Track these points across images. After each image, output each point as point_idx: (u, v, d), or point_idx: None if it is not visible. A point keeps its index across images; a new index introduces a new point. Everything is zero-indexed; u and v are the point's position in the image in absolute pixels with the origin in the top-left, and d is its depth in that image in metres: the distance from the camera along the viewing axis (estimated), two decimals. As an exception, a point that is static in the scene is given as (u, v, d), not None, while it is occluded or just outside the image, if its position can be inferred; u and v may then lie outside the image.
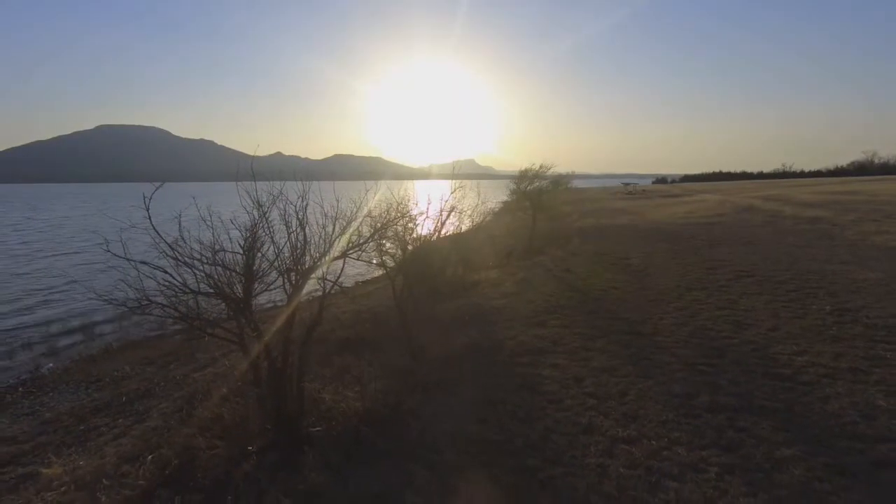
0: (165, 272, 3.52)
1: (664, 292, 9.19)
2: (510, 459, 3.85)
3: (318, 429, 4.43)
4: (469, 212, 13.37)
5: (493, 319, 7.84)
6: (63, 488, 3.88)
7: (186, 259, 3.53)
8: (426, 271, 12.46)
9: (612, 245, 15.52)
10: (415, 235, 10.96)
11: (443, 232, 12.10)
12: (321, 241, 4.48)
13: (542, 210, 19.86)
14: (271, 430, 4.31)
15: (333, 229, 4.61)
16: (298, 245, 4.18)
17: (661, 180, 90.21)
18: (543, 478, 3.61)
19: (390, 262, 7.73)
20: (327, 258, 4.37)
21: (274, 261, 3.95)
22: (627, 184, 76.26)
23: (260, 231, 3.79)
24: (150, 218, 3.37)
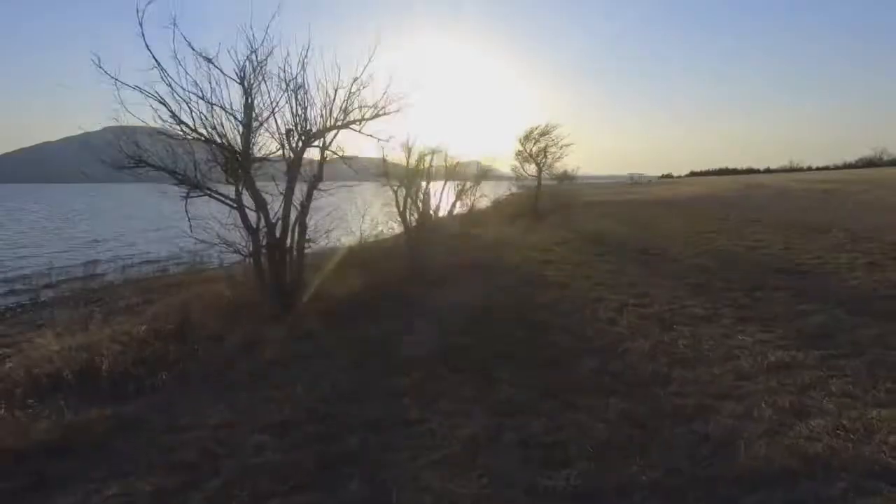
0: (162, 101, 3.39)
1: (672, 234, 9.02)
2: (519, 316, 3.71)
3: (319, 303, 4.30)
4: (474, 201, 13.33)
5: (499, 249, 7.70)
6: (59, 349, 3.77)
7: (180, 93, 3.38)
8: (435, 225, 12.34)
9: (617, 210, 15.35)
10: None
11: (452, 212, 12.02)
12: (323, 107, 4.28)
13: (547, 191, 19.70)
14: (271, 303, 4.19)
15: (335, 95, 4.36)
16: (298, 109, 4.04)
17: (668, 176, 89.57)
18: (555, 326, 3.47)
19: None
20: (329, 125, 4.24)
21: (272, 111, 3.79)
22: (633, 177, 75.69)
23: (258, 80, 3.63)
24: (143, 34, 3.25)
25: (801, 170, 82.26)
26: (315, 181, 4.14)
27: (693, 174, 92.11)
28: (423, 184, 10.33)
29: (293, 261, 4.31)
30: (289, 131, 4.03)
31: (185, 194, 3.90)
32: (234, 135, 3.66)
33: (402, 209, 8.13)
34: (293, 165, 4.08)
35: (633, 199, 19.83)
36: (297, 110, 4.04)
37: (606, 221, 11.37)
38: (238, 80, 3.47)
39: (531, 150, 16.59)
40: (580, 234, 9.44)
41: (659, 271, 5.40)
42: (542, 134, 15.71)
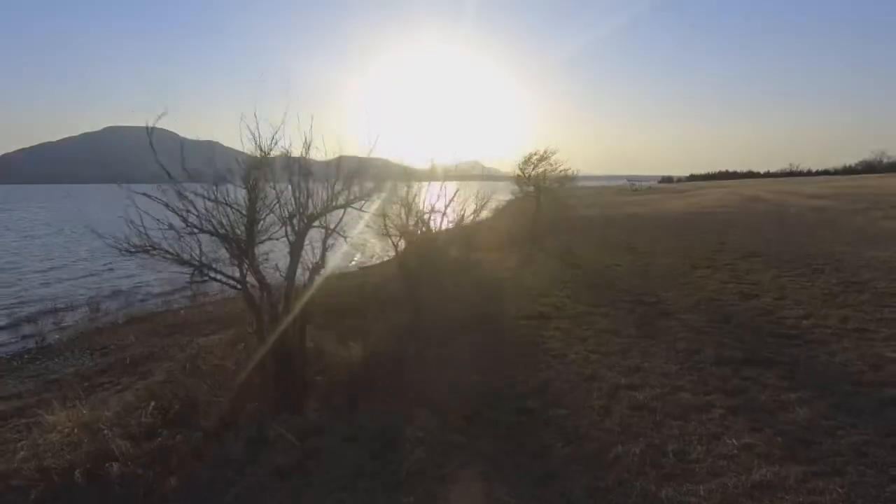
0: (167, 205, 3.52)
1: (669, 271, 9.14)
2: (512, 403, 3.83)
3: (319, 377, 4.42)
4: (474, 210, 13.48)
5: (496, 289, 7.82)
6: (67, 430, 3.89)
7: (190, 197, 3.53)
8: (432, 253, 12.45)
9: (617, 232, 15.46)
10: (421, 217, 10.99)
11: (447, 223, 12.17)
12: (325, 191, 4.46)
13: (545, 193, 19.80)
14: (274, 378, 4.31)
15: (337, 178, 4.57)
16: (301, 192, 4.17)
17: (667, 179, 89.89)
18: (545, 417, 3.59)
19: (395, 232, 7.74)
20: (330, 206, 4.37)
21: (274, 205, 3.94)
22: (633, 181, 76.05)
23: (262, 171, 3.78)
24: (151, 144, 3.38)
25: (800, 173, 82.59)
26: (317, 267, 4.26)
27: (693, 177, 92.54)
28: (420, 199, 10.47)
29: (295, 335, 4.42)
30: (291, 215, 4.16)
31: (188, 279, 4.03)
32: (239, 227, 3.79)
33: (396, 243, 8.26)
34: (296, 248, 4.20)
35: (632, 215, 19.94)
36: (299, 197, 4.18)
37: (605, 252, 11.46)
38: (244, 186, 3.60)
39: (530, 174, 16.78)
40: (577, 269, 9.56)
41: (652, 330, 5.52)
42: (541, 159, 15.87)
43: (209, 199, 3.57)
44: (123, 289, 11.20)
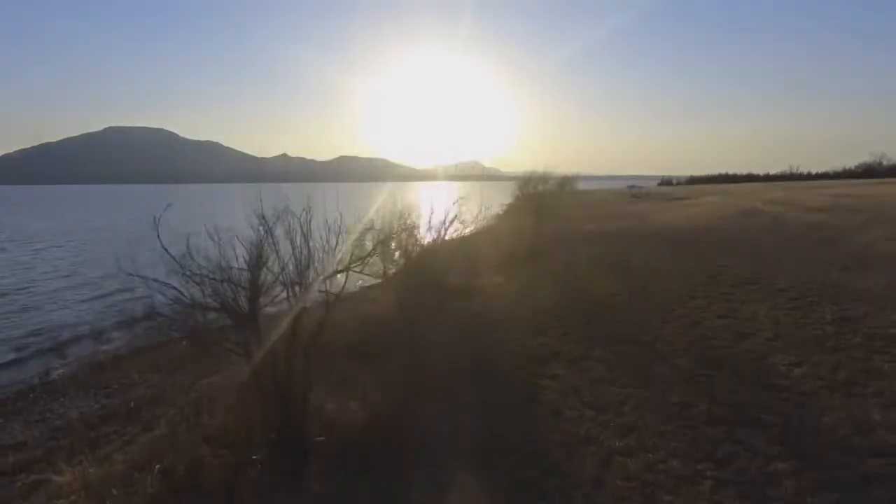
0: (174, 288, 3.64)
1: (665, 300, 9.25)
2: (508, 471, 3.93)
3: (321, 438, 4.52)
4: (472, 218, 13.68)
5: (496, 323, 7.92)
6: (73, 496, 4.00)
7: (195, 278, 3.65)
8: (430, 277, 12.59)
9: (614, 250, 15.54)
10: (418, 242, 11.22)
11: (447, 237, 12.37)
12: (325, 255, 4.59)
13: (545, 211, 20.00)
14: (275, 440, 4.41)
15: (337, 242, 4.72)
16: (302, 259, 4.28)
17: (667, 182, 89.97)
18: (540, 490, 3.69)
19: (394, 270, 7.84)
20: (331, 271, 4.48)
21: (279, 275, 4.06)
22: (633, 186, 76.06)
23: (265, 247, 3.91)
24: (159, 235, 3.49)
25: (800, 176, 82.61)
26: (316, 335, 4.37)
27: (692, 180, 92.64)
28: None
29: (297, 399, 4.53)
30: (292, 283, 4.27)
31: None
32: (243, 302, 3.90)
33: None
34: (297, 311, 4.31)
35: (630, 232, 20.00)
36: (300, 259, 4.29)
37: (603, 275, 11.55)
38: (247, 269, 3.72)
39: (529, 193, 16.95)
40: (575, 296, 9.66)
41: (647, 378, 5.62)
42: (543, 181, 16.02)
43: (214, 279, 3.67)
44: (127, 315, 11.20)
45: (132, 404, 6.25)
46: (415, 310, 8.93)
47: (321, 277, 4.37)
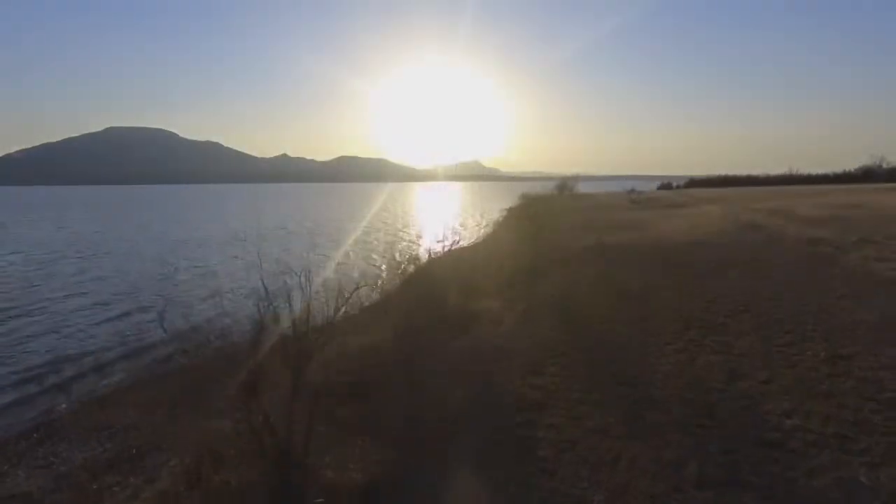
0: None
1: (662, 331, 9.34)
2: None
3: (320, 500, 4.63)
4: (474, 223, 13.79)
5: (494, 360, 8.00)
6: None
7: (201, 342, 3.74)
8: (429, 301, 12.69)
9: (614, 270, 15.59)
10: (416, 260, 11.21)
11: (449, 249, 12.42)
12: (323, 315, 4.68)
13: (545, 220, 20.10)
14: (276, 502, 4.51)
15: (336, 303, 4.81)
16: (301, 327, 4.38)
17: (667, 185, 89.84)
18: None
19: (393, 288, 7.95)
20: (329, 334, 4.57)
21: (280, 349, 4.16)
22: (633, 190, 75.96)
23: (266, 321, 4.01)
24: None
25: (799, 179, 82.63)
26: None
27: (692, 183, 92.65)
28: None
29: (297, 461, 4.63)
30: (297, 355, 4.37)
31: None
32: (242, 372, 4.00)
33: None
34: (297, 384, 4.42)
35: (628, 246, 20.04)
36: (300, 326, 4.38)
37: (600, 300, 11.63)
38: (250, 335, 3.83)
39: (529, 202, 17.02)
40: (572, 330, 9.74)
41: (642, 429, 5.72)
42: (543, 204, 16.10)
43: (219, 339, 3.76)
44: (131, 343, 11.32)
45: (134, 451, 6.35)
46: (412, 342, 9.03)
47: (320, 343, 4.47)
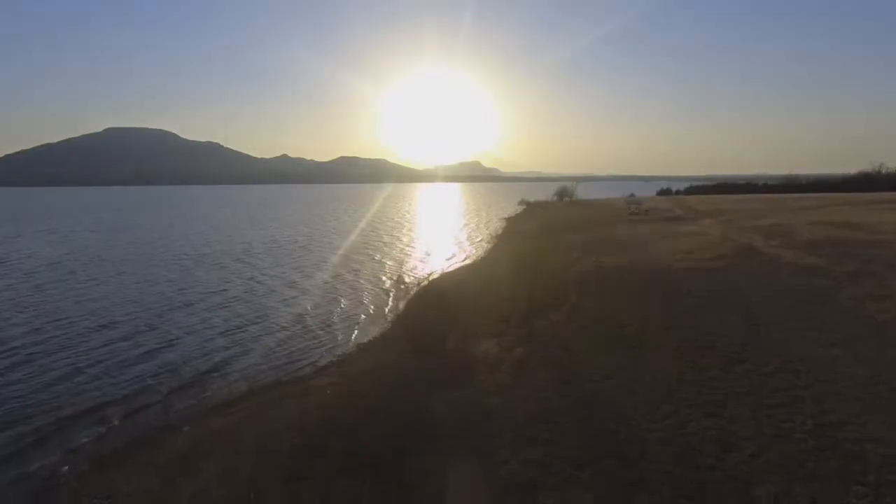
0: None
1: (656, 385, 9.47)
2: None
3: None
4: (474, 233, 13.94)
5: (484, 435, 8.07)
6: None
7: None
8: (426, 343, 12.82)
9: (611, 304, 15.69)
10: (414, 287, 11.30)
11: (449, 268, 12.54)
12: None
13: (544, 238, 20.23)
14: None
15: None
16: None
17: (666, 191, 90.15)
18: None
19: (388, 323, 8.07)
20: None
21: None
22: (631, 196, 76.34)
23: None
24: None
25: (798, 185, 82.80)
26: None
27: (692, 190, 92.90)
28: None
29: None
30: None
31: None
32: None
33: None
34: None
35: (628, 270, 20.15)
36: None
37: (598, 352, 11.75)
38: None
39: (529, 231, 17.15)
40: (568, 388, 9.86)
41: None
42: (541, 215, 16.24)
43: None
44: (131, 389, 11.37)
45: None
46: (400, 406, 9.10)
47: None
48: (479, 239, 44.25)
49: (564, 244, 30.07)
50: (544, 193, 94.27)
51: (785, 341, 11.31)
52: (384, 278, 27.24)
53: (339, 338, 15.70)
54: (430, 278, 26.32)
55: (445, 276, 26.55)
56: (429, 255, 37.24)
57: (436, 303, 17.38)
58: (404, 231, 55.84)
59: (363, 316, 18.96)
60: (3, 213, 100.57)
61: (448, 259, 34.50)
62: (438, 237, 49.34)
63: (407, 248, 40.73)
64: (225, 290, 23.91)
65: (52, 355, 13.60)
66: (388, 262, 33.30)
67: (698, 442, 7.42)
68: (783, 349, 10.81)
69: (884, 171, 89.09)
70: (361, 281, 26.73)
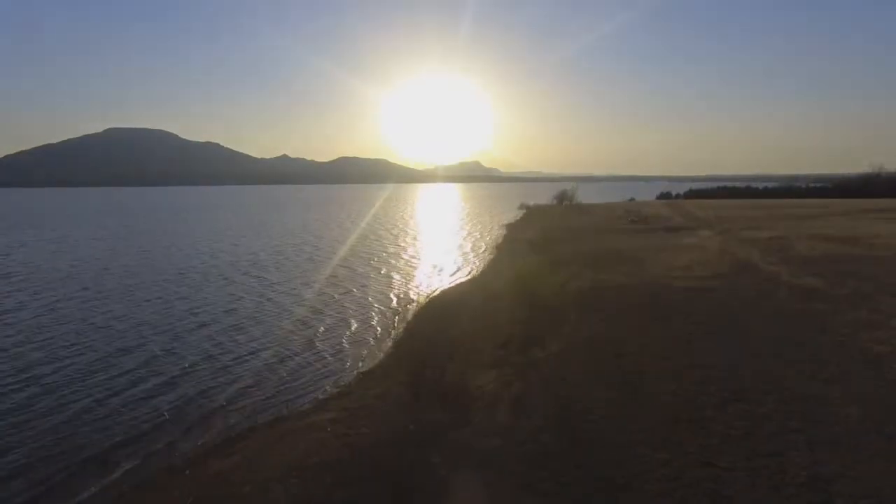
0: None
1: (652, 428, 9.59)
2: None
3: None
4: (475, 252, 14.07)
5: (485, 479, 8.23)
6: None
7: None
8: (429, 370, 12.91)
9: (608, 330, 15.81)
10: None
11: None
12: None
13: (542, 250, 20.34)
14: None
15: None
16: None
17: (666, 194, 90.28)
18: None
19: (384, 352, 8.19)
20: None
21: None
22: (632, 200, 76.51)
23: None
24: None
25: (798, 192, 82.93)
26: None
27: (691, 193, 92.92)
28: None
29: None
30: None
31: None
32: None
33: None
34: None
35: (627, 291, 20.26)
36: None
37: (593, 387, 11.86)
38: None
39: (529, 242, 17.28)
40: (563, 430, 9.97)
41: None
42: (542, 219, 16.40)
43: None
44: (139, 429, 11.42)
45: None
46: (404, 443, 9.22)
47: None
48: (480, 249, 44.49)
49: (563, 257, 30.18)
50: (544, 195, 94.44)
51: (781, 376, 11.42)
52: (391, 295, 27.37)
53: (344, 364, 15.86)
54: (433, 295, 26.53)
55: (447, 293, 26.78)
56: (433, 267, 37.34)
57: (436, 326, 17.53)
58: (408, 240, 55.87)
59: (370, 340, 19.10)
60: (4, 218, 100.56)
61: (450, 273, 34.64)
62: (440, 247, 49.38)
63: (412, 261, 40.79)
64: (235, 308, 24.06)
65: (64, 388, 13.63)
66: (394, 277, 33.52)
67: (693, 496, 7.53)
68: (780, 385, 10.92)
69: (883, 173, 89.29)
70: (369, 298, 26.97)
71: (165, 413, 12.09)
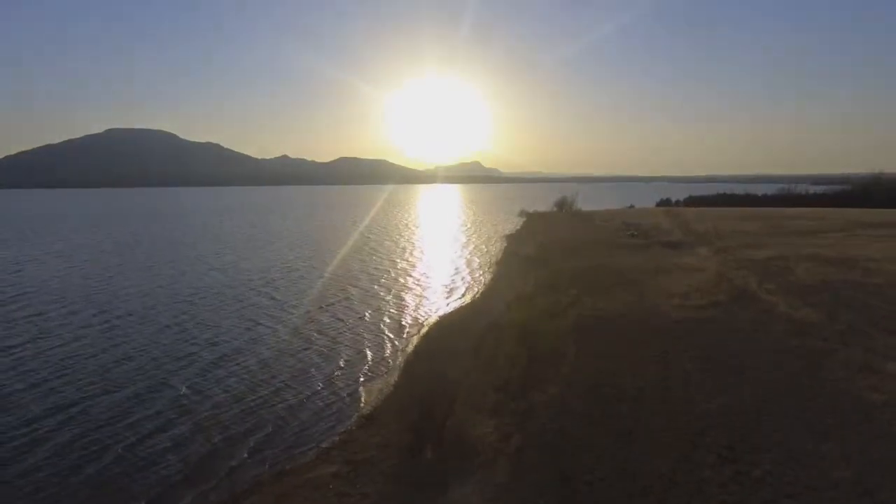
0: None
1: (650, 486, 9.80)
2: None
3: None
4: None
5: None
6: None
7: None
8: (428, 419, 13.12)
9: (605, 368, 15.96)
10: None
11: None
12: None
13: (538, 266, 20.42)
14: None
15: None
16: None
17: (666, 201, 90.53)
18: None
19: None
20: None
21: None
22: (631, 207, 76.67)
23: None
24: None
25: (798, 199, 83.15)
26: None
27: (691, 200, 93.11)
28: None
29: None
30: None
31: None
32: None
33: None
34: None
35: (626, 323, 20.41)
36: None
37: (589, 435, 12.04)
38: None
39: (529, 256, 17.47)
40: (556, 478, 10.17)
41: None
42: (541, 225, 16.58)
43: None
44: (140, 461, 11.68)
45: None
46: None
47: None
48: (481, 265, 45.64)
49: (562, 279, 30.35)
50: (544, 198, 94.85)
51: (777, 429, 11.59)
52: (403, 322, 28.72)
53: (345, 410, 16.20)
54: (434, 322, 27.19)
55: (449, 319, 27.39)
56: (436, 288, 38.37)
57: (435, 364, 17.75)
58: (414, 254, 57.15)
59: (377, 382, 19.42)
60: (7, 225, 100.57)
61: (453, 296, 35.54)
62: (444, 263, 51.61)
63: (421, 280, 42.36)
64: (254, 339, 24.14)
65: (84, 438, 13.84)
66: (406, 299, 35.05)
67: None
68: (775, 441, 11.08)
69: (883, 179, 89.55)
70: (381, 325, 27.97)
71: (181, 465, 12.27)
